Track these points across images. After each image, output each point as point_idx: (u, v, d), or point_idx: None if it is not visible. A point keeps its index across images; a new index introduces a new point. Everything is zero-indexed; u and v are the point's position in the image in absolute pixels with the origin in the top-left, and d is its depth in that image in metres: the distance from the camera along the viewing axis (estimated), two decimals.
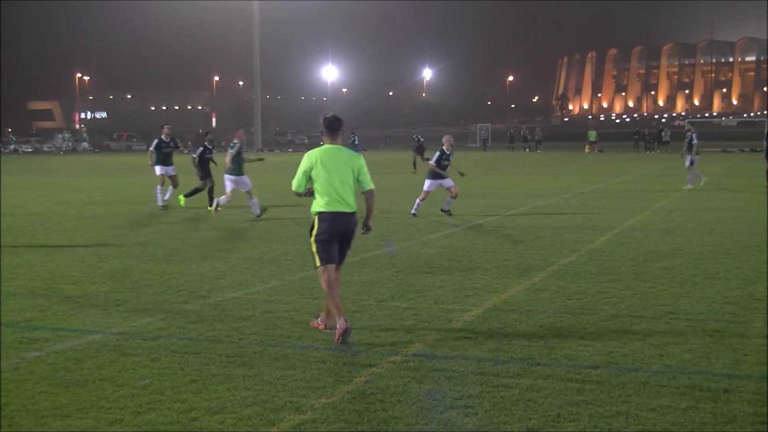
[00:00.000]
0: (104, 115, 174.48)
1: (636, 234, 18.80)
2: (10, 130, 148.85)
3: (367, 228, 10.35)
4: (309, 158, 9.92)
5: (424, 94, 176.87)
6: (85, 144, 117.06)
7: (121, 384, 7.99)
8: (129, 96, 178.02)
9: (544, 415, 7.05)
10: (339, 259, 10.06)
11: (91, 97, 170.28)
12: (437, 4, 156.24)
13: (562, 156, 75.07)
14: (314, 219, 9.95)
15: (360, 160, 10.05)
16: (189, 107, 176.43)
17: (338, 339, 9.43)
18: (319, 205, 9.88)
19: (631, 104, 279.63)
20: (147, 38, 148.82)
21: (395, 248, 16.90)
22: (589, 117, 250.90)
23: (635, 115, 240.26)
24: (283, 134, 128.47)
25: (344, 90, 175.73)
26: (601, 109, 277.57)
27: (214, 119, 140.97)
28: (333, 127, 9.98)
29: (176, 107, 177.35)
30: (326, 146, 10.02)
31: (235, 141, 23.49)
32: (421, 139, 52.61)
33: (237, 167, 23.12)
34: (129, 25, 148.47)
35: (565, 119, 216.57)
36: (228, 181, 23.09)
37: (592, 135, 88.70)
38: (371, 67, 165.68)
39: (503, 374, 8.18)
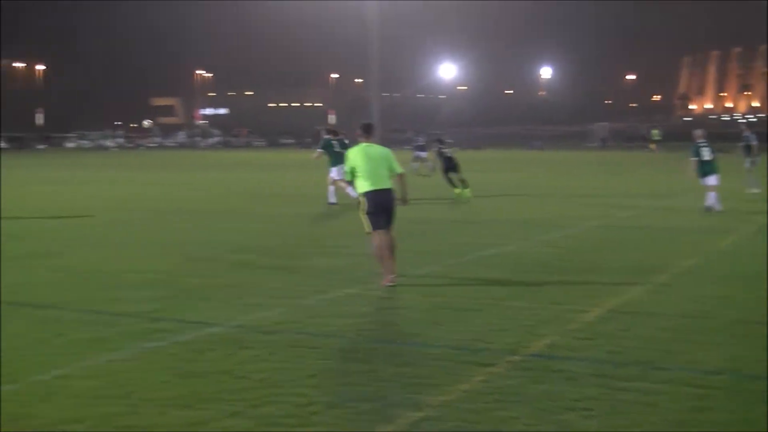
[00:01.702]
0: (225, 111, 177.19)
1: (761, 237, 18.27)
2: (137, 125, 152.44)
3: (403, 201, 13.21)
4: (352, 153, 13.02)
5: (541, 92, 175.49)
6: (214, 139, 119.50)
7: (240, 376, 8.08)
8: (248, 93, 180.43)
9: (664, 420, 6.90)
10: (387, 225, 12.76)
11: (213, 94, 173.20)
12: (557, 3, 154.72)
13: (681, 156, 73.43)
14: (362, 197, 12.78)
15: (388, 153, 13.07)
16: (307, 104, 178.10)
17: (384, 285, 12.44)
18: (364, 186, 12.74)
19: (756, 104, 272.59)
20: (266, 36, 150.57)
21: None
22: (712, 117, 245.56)
23: (762, 116, 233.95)
24: (401, 131, 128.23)
25: (462, 87, 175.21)
26: (724, 109, 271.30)
27: (331, 116, 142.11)
28: (369, 130, 13.30)
29: (294, 104, 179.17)
30: (363, 144, 13.04)
31: (327, 137, 27.57)
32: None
33: (332, 159, 26.31)
34: (248, 23, 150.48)
35: (687, 119, 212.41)
36: (334, 172, 26.11)
37: (655, 134, 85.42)
38: (489, 65, 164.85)
39: (622, 377, 8.04)
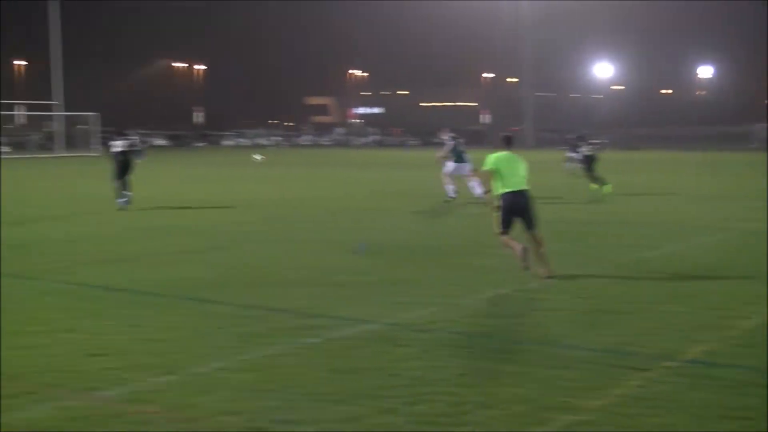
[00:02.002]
0: (379, 110, 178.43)
1: None
2: (291, 124, 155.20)
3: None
4: (494, 159, 13.76)
5: (700, 92, 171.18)
6: (369, 138, 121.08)
7: (394, 374, 8.15)
8: (402, 92, 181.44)
9: None
10: (529, 226, 13.52)
11: (369, 93, 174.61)
12: (718, 4, 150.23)
13: None
14: (498, 199, 13.59)
15: (524, 162, 14.01)
16: (459, 104, 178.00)
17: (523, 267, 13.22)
18: (501, 188, 13.57)
19: None
20: (419, 35, 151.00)
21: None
22: None
23: None
24: (554, 131, 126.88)
25: (617, 87, 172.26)
26: None
27: (484, 116, 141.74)
28: (509, 142, 14.27)
29: (447, 104, 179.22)
30: (504, 152, 13.93)
31: (449, 135, 28.23)
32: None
33: (456, 156, 27.50)
34: (401, 22, 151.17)
35: None
36: (449, 167, 27.46)
37: None
38: (645, 64, 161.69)
39: None
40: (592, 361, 8.61)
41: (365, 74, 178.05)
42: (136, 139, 27.35)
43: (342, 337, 9.53)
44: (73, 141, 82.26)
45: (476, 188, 26.17)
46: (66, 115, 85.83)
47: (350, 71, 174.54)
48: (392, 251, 16.29)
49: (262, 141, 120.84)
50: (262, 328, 9.97)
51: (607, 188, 27.90)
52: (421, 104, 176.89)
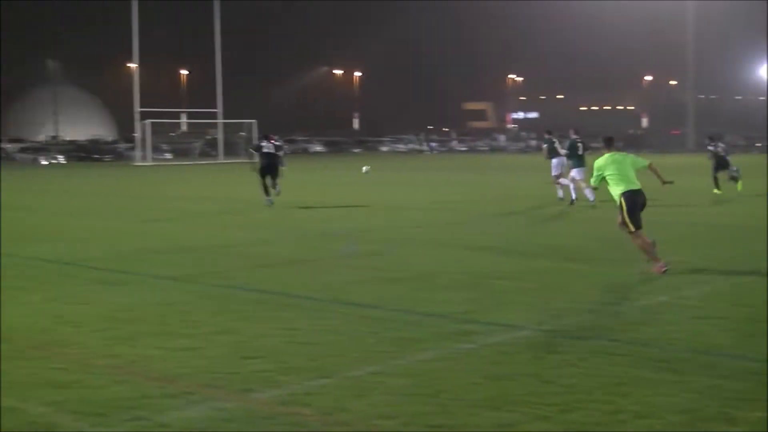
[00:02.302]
0: (536, 115, 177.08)
1: None
2: (447, 129, 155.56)
3: (668, 182, 15.36)
4: (600, 168, 14.48)
5: None
6: (526, 143, 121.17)
7: (548, 381, 8.09)
8: (559, 96, 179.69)
9: None
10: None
11: (524, 98, 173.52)
12: None
13: None
14: (621, 199, 14.10)
15: (632, 156, 14.83)
16: (618, 107, 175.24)
17: (663, 270, 13.67)
18: (620, 189, 14.16)
19: None
20: (577, 38, 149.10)
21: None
22: None
23: None
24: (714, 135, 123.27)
25: None
26: None
27: (644, 120, 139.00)
28: (610, 143, 14.79)
29: (605, 107, 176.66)
30: (609, 154, 14.57)
31: (574, 137, 28.38)
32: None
33: (575, 160, 27.61)
34: (560, 25, 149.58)
35: None
36: (575, 172, 27.52)
37: None
38: None
39: None
40: (753, 371, 8.37)
41: (520, 79, 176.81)
42: (281, 143, 28.39)
43: (497, 343, 9.51)
44: (233, 148, 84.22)
45: (559, 191, 28.05)
46: (226, 123, 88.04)
47: (509, 76, 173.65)
48: (547, 256, 16.16)
49: (418, 146, 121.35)
50: (417, 332, 10.02)
51: (738, 186, 29.70)
52: (579, 108, 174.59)
